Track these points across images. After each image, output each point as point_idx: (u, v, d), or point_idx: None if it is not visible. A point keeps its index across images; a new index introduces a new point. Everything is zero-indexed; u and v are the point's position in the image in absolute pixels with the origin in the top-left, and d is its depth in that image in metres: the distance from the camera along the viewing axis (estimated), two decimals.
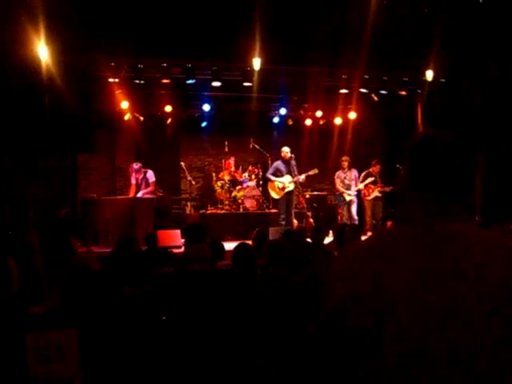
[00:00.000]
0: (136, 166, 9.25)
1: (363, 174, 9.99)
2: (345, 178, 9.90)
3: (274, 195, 9.65)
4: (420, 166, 1.23)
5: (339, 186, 9.98)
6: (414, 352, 1.07)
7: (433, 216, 1.19)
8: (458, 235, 1.16)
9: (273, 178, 9.52)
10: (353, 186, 9.86)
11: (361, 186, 9.88)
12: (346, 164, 9.93)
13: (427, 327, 1.07)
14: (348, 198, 9.80)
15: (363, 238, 4.68)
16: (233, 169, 10.81)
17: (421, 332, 1.07)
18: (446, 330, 1.06)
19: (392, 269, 1.14)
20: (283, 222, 9.27)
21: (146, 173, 9.24)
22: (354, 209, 9.79)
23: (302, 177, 9.42)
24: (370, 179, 9.88)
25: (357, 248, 1.27)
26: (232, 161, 10.86)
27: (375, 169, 9.95)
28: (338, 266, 1.26)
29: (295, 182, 9.38)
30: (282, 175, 9.48)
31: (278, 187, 9.46)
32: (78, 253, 5.19)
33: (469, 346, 1.05)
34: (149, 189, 9.17)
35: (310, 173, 9.58)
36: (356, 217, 9.75)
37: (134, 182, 9.31)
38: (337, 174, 10.07)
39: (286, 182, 9.38)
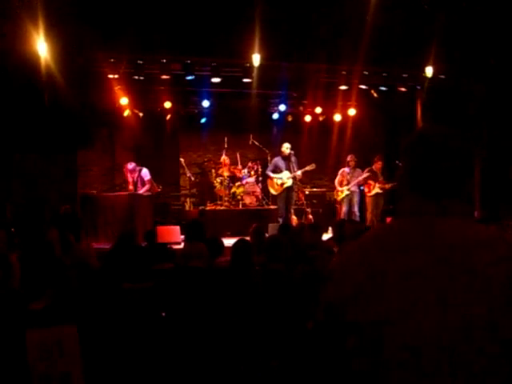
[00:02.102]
0: (130, 166, 9.22)
1: (365, 171, 10.01)
2: (348, 173, 9.95)
3: (273, 191, 9.64)
4: (418, 161, 1.23)
5: (337, 182, 10.04)
6: (414, 348, 1.07)
7: (432, 211, 1.19)
8: (457, 231, 1.16)
9: (272, 174, 9.50)
10: (351, 183, 9.89)
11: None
12: (353, 163, 9.97)
13: (426, 324, 1.08)
14: (345, 193, 9.85)
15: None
16: (232, 165, 10.82)
17: (420, 329, 1.08)
18: (445, 328, 1.07)
19: (392, 265, 1.14)
20: (281, 219, 9.27)
21: (140, 171, 9.20)
22: (355, 204, 9.85)
23: (298, 173, 9.40)
24: (365, 174, 9.88)
25: (357, 244, 1.27)
26: (227, 159, 10.85)
27: (377, 165, 9.97)
28: (339, 261, 1.26)
29: (293, 178, 9.37)
30: (281, 171, 9.46)
31: (277, 184, 9.45)
32: (77, 249, 5.21)
33: (466, 342, 1.06)
34: (145, 188, 9.12)
35: (308, 168, 9.56)
36: (358, 213, 9.81)
37: (130, 180, 9.30)
38: (341, 170, 10.09)
39: (285, 178, 9.37)
